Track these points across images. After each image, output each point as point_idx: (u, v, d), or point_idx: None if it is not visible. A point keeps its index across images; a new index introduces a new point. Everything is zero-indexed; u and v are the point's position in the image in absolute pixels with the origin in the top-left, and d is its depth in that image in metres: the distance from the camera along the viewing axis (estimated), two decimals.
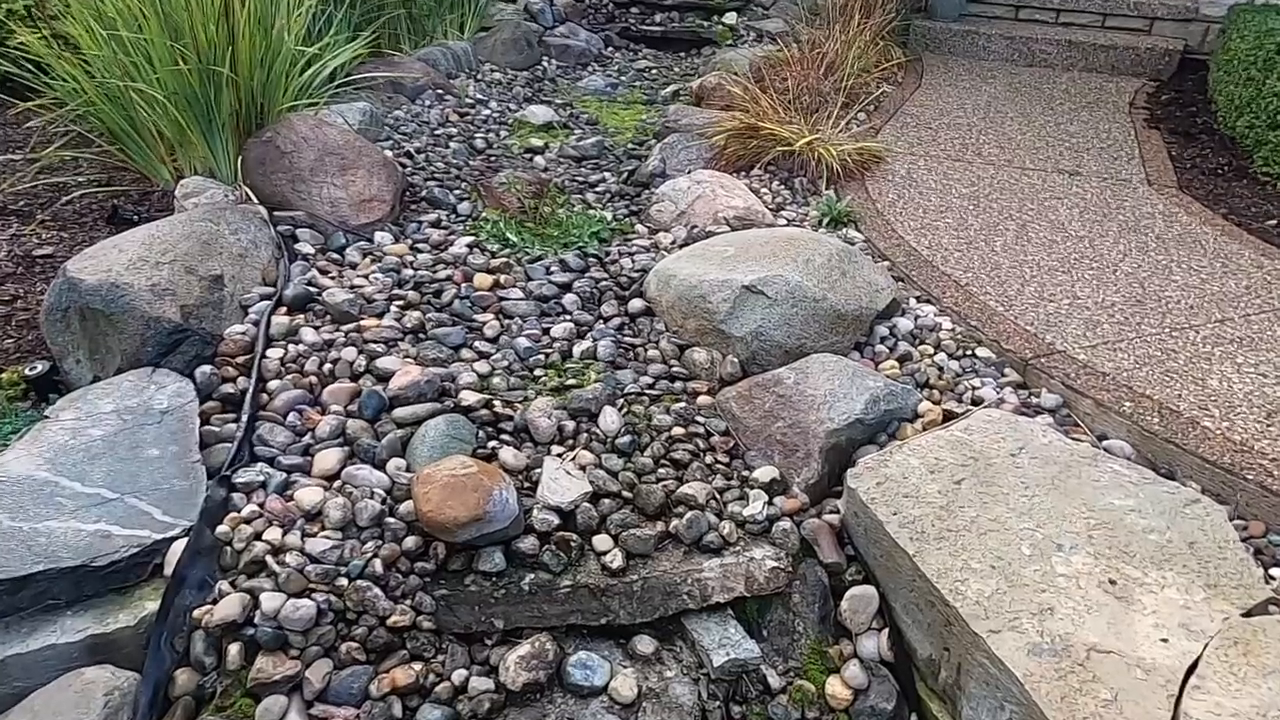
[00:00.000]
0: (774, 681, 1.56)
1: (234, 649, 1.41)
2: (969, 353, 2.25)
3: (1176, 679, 1.30)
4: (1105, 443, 1.93)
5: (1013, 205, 3.16)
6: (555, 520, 1.67)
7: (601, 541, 1.67)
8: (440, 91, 4.10)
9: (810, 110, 3.75)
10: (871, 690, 1.56)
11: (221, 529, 1.56)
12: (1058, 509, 1.63)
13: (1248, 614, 1.41)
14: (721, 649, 1.55)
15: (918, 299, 2.49)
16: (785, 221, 2.95)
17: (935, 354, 2.23)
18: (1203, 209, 3.17)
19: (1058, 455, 1.77)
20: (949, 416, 1.95)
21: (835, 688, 1.57)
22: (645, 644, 1.59)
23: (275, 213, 2.64)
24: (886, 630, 1.62)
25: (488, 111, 4.09)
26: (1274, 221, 3.06)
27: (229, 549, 1.54)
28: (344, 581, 1.52)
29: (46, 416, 1.74)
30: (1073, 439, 1.87)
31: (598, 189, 3.31)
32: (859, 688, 1.56)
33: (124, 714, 1.35)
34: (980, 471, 1.73)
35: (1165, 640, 1.36)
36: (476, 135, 3.73)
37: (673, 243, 2.78)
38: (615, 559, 1.63)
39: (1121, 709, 1.27)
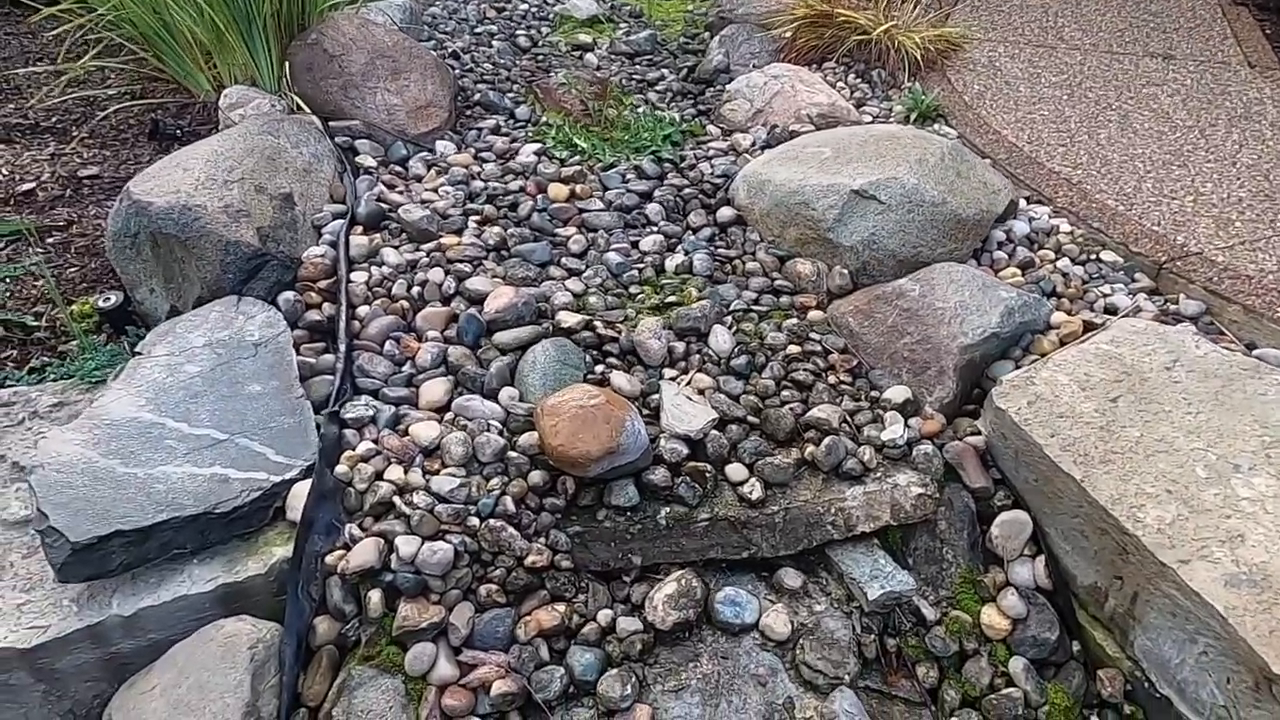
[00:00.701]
0: (929, 613, 1.49)
1: (374, 596, 1.34)
2: (1093, 257, 2.09)
3: None
4: (1257, 351, 1.80)
5: (1109, 93, 2.93)
6: (684, 450, 1.57)
7: (736, 471, 1.57)
8: None
9: None
10: (1031, 619, 1.48)
11: (340, 469, 1.47)
12: (1227, 426, 1.52)
13: None
14: (875, 581, 1.48)
15: (1028, 200, 2.32)
16: (870, 118, 2.74)
17: (1057, 259, 2.08)
18: None
19: (1216, 368, 1.65)
20: (1089, 327, 1.82)
21: (992, 617, 1.50)
22: (791, 577, 1.51)
23: (330, 122, 2.46)
24: (1042, 557, 1.54)
25: (525, 5, 3.80)
26: None
27: (352, 490, 1.45)
28: (475, 521, 1.43)
29: (139, 353, 1.62)
30: (1225, 348, 1.74)
31: (658, 88, 3.09)
32: (1017, 617, 1.49)
33: (270, 667, 1.28)
34: (1136, 387, 1.61)
35: None
36: (518, 32, 3.46)
37: (753, 144, 2.59)
38: (754, 490, 1.53)
39: None
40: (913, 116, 2.75)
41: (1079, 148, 2.57)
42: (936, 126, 2.71)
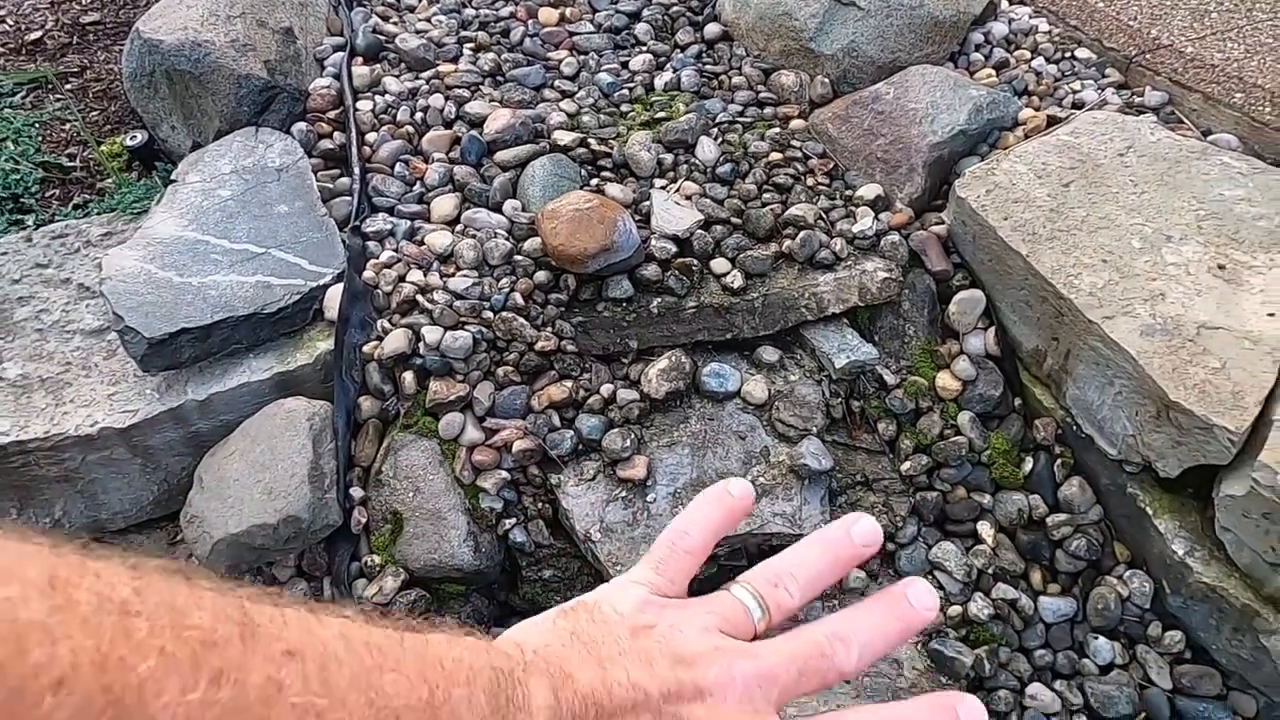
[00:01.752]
0: (889, 379, 1.71)
1: (408, 377, 1.56)
2: (1068, 55, 2.16)
3: None
4: (1211, 137, 1.91)
5: None
6: (673, 248, 1.74)
7: (719, 265, 1.75)
8: None
9: None
10: (979, 380, 1.70)
11: (367, 274, 1.66)
12: (1167, 203, 1.66)
13: None
14: (842, 353, 1.68)
15: (1010, 1, 2.35)
16: None
17: (1032, 59, 2.15)
18: None
19: (1166, 152, 1.77)
20: (1052, 122, 1.93)
21: (945, 380, 1.71)
22: (769, 353, 1.72)
23: None
24: (993, 329, 1.73)
25: None
26: None
27: (378, 292, 1.65)
28: (490, 314, 1.63)
29: (174, 180, 1.78)
30: (1180, 136, 1.85)
31: None
32: (967, 379, 1.70)
33: (326, 434, 1.53)
34: (1089, 173, 1.75)
35: (1272, 315, 1.45)
36: None
37: None
38: (735, 279, 1.71)
39: (1229, 374, 1.39)
40: None
41: None
42: None
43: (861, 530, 0.51)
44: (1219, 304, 1.49)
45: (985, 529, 1.64)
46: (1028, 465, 1.66)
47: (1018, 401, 1.72)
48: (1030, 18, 2.27)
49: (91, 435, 1.50)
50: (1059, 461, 1.64)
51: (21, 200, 1.94)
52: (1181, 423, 1.39)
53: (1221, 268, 1.55)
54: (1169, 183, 1.70)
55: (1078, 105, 2.01)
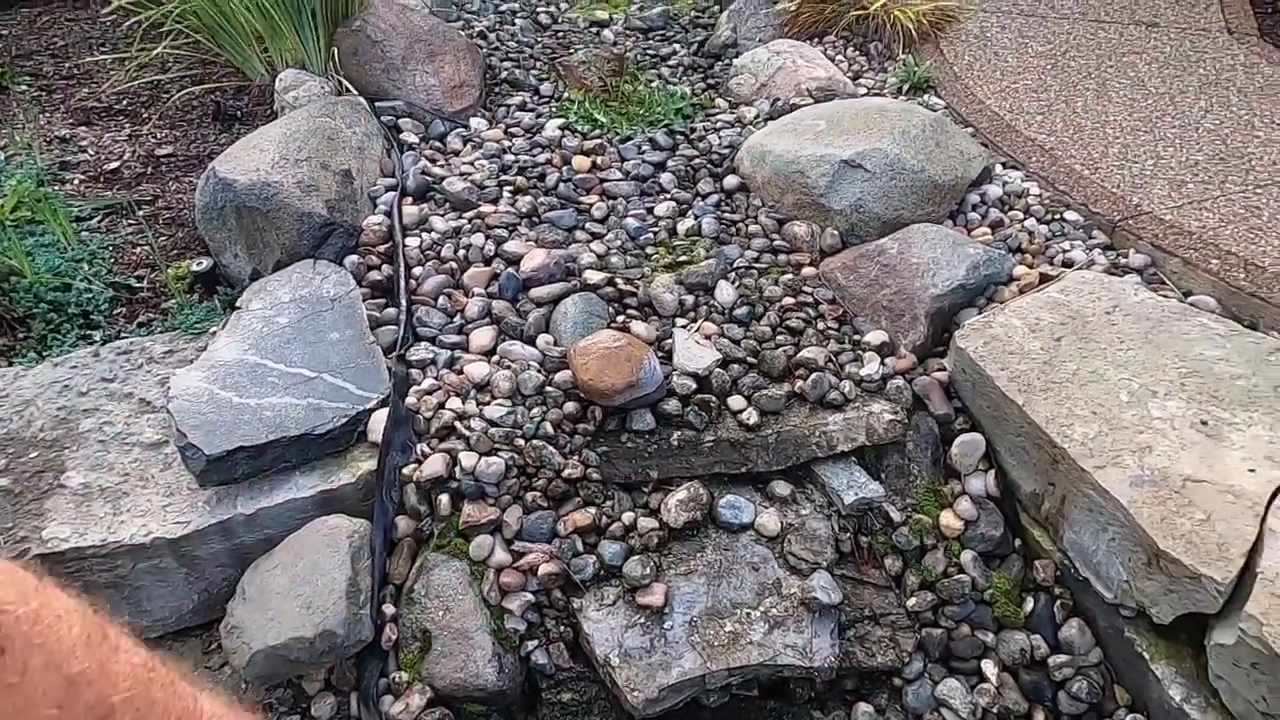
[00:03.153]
0: (895, 516, 1.80)
1: (443, 499, 1.67)
2: (1058, 216, 2.36)
3: (1263, 500, 1.50)
4: (1191, 299, 2.07)
5: (1090, 62, 3.15)
6: (693, 385, 1.87)
7: (736, 402, 1.88)
8: None
9: None
10: (981, 521, 1.79)
11: (409, 400, 1.79)
12: (1151, 360, 1.80)
13: None
14: (850, 490, 1.78)
15: (1004, 165, 2.57)
16: (865, 90, 2.99)
17: (1025, 219, 2.34)
18: None
19: (1149, 312, 1.92)
20: (1044, 279, 2.10)
21: (948, 520, 1.80)
22: (782, 487, 1.82)
23: (375, 103, 2.74)
24: (992, 471, 1.84)
25: None
26: None
27: (419, 417, 1.77)
28: (521, 441, 1.75)
29: (238, 307, 1.94)
30: (1162, 296, 2.01)
31: (670, 62, 3.34)
32: (969, 519, 1.80)
33: (364, 552, 1.62)
34: (1078, 329, 1.89)
35: (1253, 470, 1.56)
36: (539, 9, 3.70)
37: (756, 117, 2.85)
38: (750, 416, 1.84)
39: (1214, 526, 1.48)
40: (905, 88, 2.99)
41: (1055, 115, 2.81)
42: (926, 97, 2.96)
43: None
44: (1203, 458, 1.60)
45: (989, 667, 1.70)
46: (1029, 605, 1.73)
47: (1018, 542, 1.81)
48: (1022, 181, 2.49)
49: (144, 544, 1.59)
50: (1059, 602, 1.71)
51: (91, 317, 2.10)
52: (1171, 571, 1.48)
53: (1204, 423, 1.67)
54: (1153, 341, 1.85)
55: (1067, 264, 2.19)
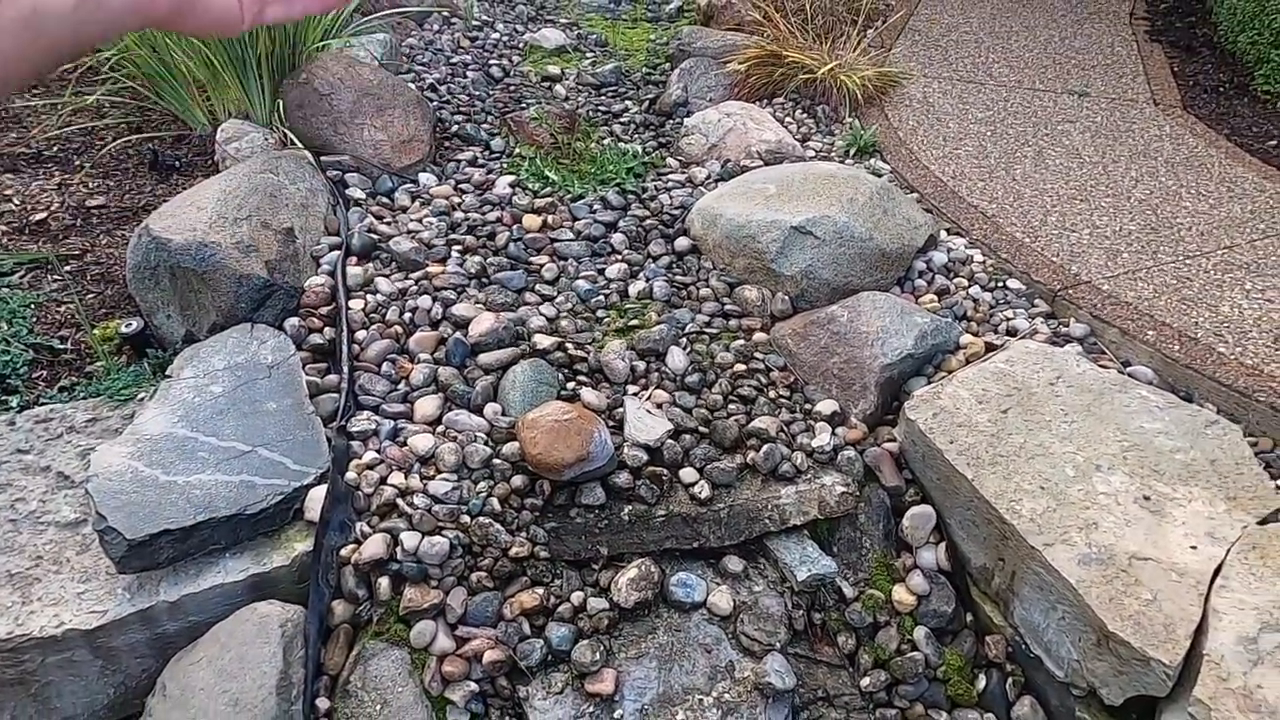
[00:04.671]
0: (848, 591, 1.78)
1: (383, 582, 1.59)
2: (1001, 284, 2.41)
3: (1205, 580, 1.53)
4: (1130, 369, 2.12)
5: (1028, 130, 3.27)
6: (644, 456, 1.84)
7: (688, 474, 1.85)
8: (446, 13, 4.05)
9: (825, 31, 3.77)
10: (933, 595, 1.78)
11: (349, 475, 1.72)
12: (1095, 433, 1.83)
13: (1263, 522, 1.64)
14: (803, 566, 1.76)
15: (948, 231, 2.63)
16: (813, 153, 3.04)
17: (970, 286, 2.39)
18: (1207, 130, 3.30)
19: (1091, 383, 1.96)
20: (990, 348, 2.13)
21: (901, 595, 1.79)
22: (734, 563, 1.79)
23: (321, 157, 2.69)
24: (944, 544, 1.83)
25: (496, 35, 4.04)
26: (1275, 142, 3.20)
27: (359, 493, 1.70)
28: (467, 519, 1.69)
29: (169, 375, 1.85)
30: (1101, 367, 2.06)
31: (622, 119, 3.36)
32: (922, 594, 1.79)
33: (297, 641, 1.53)
34: (1023, 401, 1.92)
35: (1194, 547, 1.58)
36: (491, 62, 3.71)
37: (707, 178, 2.87)
38: (703, 490, 1.81)
39: (1161, 606, 1.50)
40: (852, 151, 3.05)
41: (996, 182, 2.90)
42: (873, 161, 3.02)
43: None
44: (1146, 534, 1.62)
45: None
46: (981, 683, 1.72)
47: (970, 617, 1.80)
48: (966, 248, 2.54)
49: (56, 637, 1.48)
50: (1010, 680, 1.71)
51: (8, 381, 1.99)
52: (1121, 653, 1.48)
53: (1147, 498, 1.69)
54: (1095, 413, 1.88)
55: (1011, 332, 2.23)
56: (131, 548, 1.50)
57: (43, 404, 1.94)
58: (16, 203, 2.61)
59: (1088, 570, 1.57)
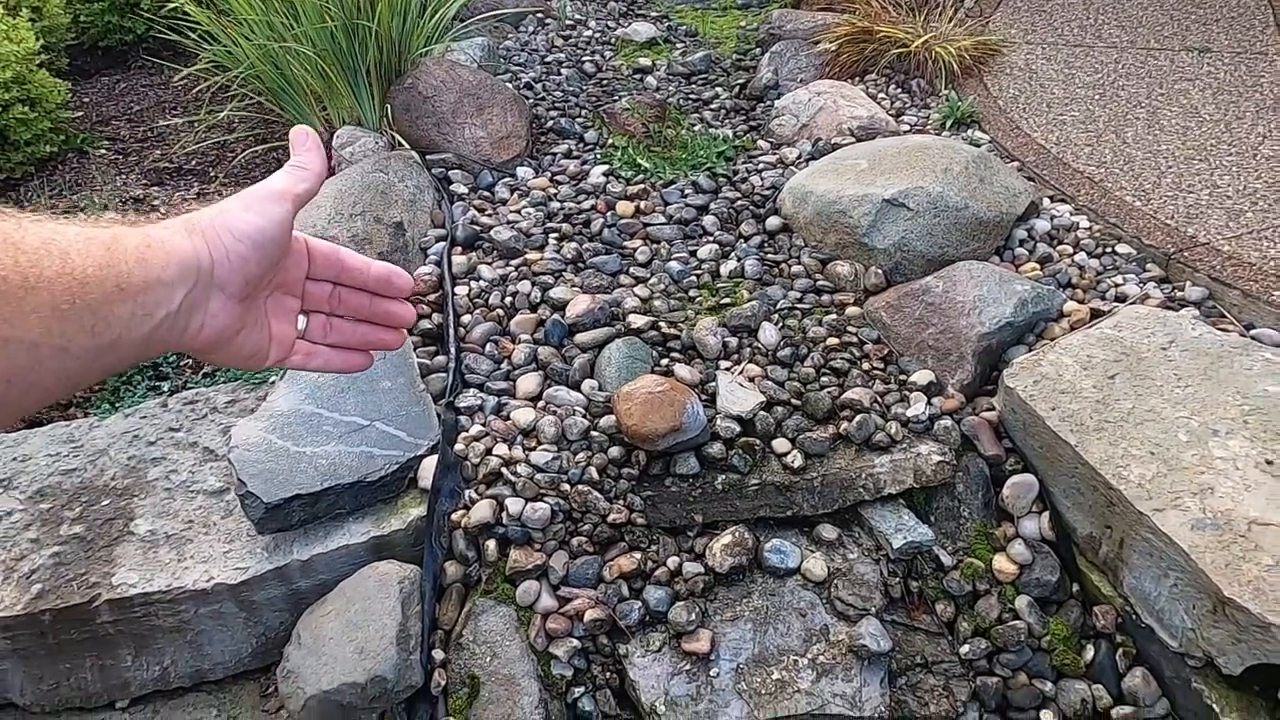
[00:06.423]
0: (946, 560, 1.77)
1: (490, 545, 1.69)
2: (1109, 250, 2.31)
3: None
4: (1253, 332, 2.01)
5: (1140, 91, 3.11)
6: (737, 428, 1.87)
7: (780, 445, 1.87)
8: (540, 15, 4.18)
9: (919, 4, 3.68)
10: (1036, 565, 1.74)
11: (458, 447, 1.83)
12: (1212, 397, 1.75)
13: None
14: (899, 533, 1.76)
15: (1052, 198, 2.54)
16: (908, 127, 2.99)
17: (1075, 254, 2.30)
18: None
19: (1208, 347, 1.87)
20: (1096, 314, 2.06)
21: (1002, 564, 1.76)
22: (828, 531, 1.80)
23: (426, 156, 2.84)
24: (1046, 513, 1.79)
25: (589, 32, 4.14)
26: None
27: (467, 463, 1.81)
28: (567, 486, 1.77)
29: None
30: (1221, 330, 1.96)
31: (712, 106, 3.38)
32: (1024, 563, 1.75)
33: (414, 597, 1.65)
34: (1133, 366, 1.85)
35: None
36: (584, 59, 3.80)
37: (798, 157, 2.87)
38: (795, 459, 1.83)
39: None
40: (948, 123, 2.98)
41: (1105, 146, 2.77)
42: (971, 132, 2.94)
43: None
44: (1269, 499, 1.54)
45: (1049, 718, 1.64)
46: (1089, 653, 1.68)
47: (1076, 587, 1.75)
48: (1071, 214, 2.45)
49: (206, 590, 1.65)
50: (1121, 650, 1.65)
51: (160, 369, 2.21)
52: (1239, 620, 1.42)
53: (1270, 463, 1.60)
54: (1212, 377, 1.79)
55: (1120, 298, 2.14)
56: (268, 510, 1.66)
57: (190, 388, 2.15)
58: (162, 211, 2.89)
59: (1201, 535, 1.51)
